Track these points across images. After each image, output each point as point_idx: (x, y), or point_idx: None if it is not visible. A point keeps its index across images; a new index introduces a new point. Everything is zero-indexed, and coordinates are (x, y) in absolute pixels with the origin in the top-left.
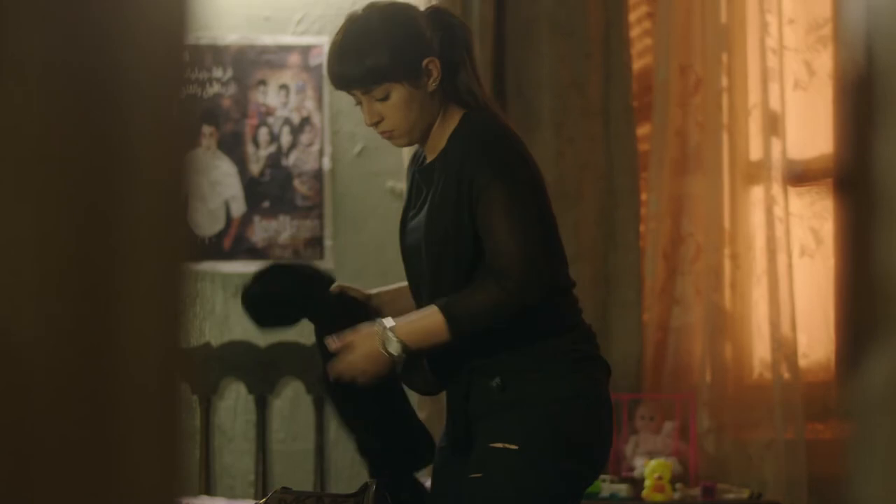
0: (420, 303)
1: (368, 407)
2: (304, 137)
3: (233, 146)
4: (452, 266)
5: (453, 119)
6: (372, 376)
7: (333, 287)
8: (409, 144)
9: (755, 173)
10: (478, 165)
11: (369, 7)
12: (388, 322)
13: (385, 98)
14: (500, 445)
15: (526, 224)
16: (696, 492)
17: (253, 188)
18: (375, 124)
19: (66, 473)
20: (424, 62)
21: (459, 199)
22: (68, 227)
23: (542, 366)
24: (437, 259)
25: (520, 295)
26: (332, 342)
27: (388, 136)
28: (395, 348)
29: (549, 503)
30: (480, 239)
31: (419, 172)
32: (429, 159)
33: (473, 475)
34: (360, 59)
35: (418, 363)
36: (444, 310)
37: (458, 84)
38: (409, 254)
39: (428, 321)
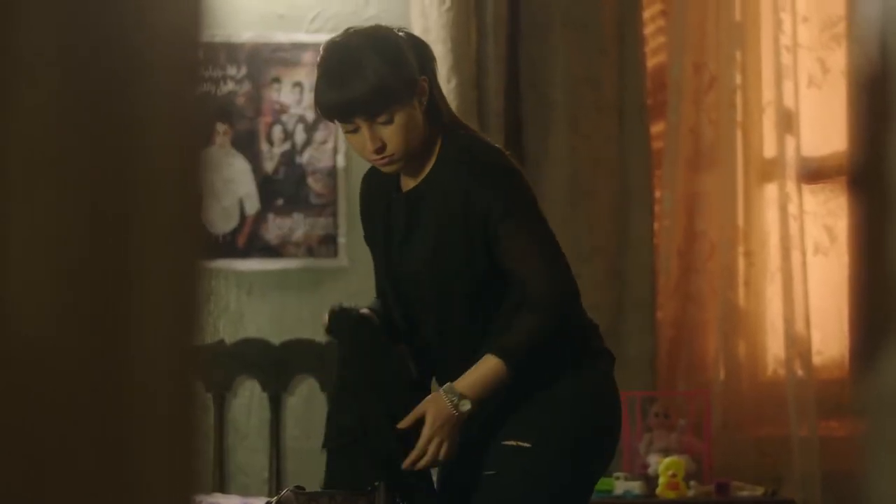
0: (411, 327)
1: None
2: (319, 135)
3: (247, 144)
4: (462, 297)
5: (433, 140)
6: (452, 443)
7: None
8: (401, 170)
9: (769, 171)
10: (492, 199)
11: (352, 33)
12: (453, 388)
13: (388, 122)
14: (513, 443)
15: (548, 248)
16: (710, 489)
17: (267, 186)
18: (378, 150)
19: (78, 472)
20: (420, 80)
21: (469, 233)
22: (82, 227)
23: (552, 364)
24: (444, 290)
25: (559, 317)
26: (404, 422)
27: (388, 161)
28: (467, 407)
29: (562, 500)
30: (489, 268)
31: (402, 199)
32: (409, 184)
33: (487, 472)
34: (365, 82)
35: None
36: (502, 355)
37: (435, 103)
38: (403, 280)
39: (489, 371)
